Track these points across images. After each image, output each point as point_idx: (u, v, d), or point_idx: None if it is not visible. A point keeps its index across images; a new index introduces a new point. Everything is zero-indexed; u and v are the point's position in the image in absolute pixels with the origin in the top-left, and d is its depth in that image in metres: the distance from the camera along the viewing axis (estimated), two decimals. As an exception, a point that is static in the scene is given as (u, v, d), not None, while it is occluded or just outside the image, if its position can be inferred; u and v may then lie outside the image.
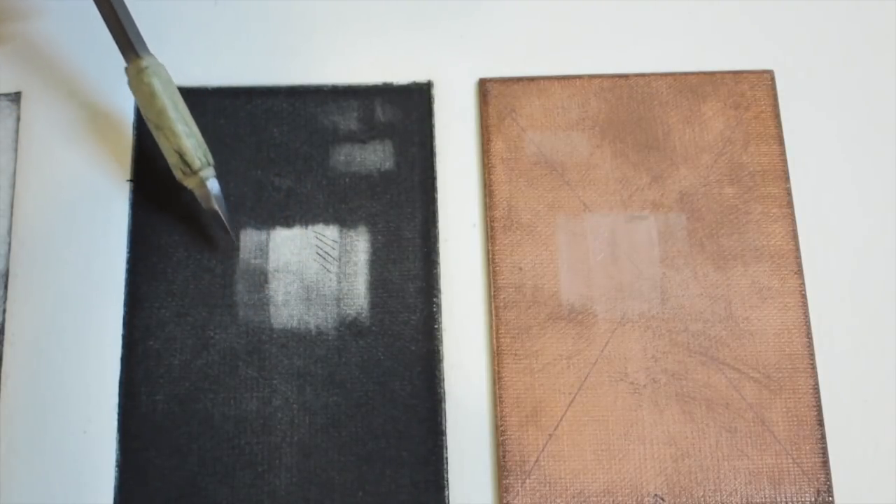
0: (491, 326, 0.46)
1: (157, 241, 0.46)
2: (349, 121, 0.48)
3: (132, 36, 0.44)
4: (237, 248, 0.46)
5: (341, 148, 0.48)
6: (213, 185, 0.45)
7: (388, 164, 0.48)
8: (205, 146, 0.45)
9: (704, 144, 0.48)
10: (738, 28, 0.51)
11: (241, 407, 0.44)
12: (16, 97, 0.48)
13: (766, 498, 0.43)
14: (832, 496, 0.43)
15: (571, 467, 0.43)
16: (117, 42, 0.44)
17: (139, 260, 0.46)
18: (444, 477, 0.43)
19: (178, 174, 0.44)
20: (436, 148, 0.48)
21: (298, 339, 0.45)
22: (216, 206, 0.45)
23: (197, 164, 0.44)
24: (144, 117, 0.44)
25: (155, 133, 0.44)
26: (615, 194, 0.47)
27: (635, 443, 0.44)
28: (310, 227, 0.47)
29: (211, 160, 0.45)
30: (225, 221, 0.45)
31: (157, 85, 0.44)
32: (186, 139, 0.44)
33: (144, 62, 0.44)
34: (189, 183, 0.45)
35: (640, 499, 0.43)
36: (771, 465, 0.43)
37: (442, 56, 0.50)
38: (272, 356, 0.45)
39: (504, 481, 0.43)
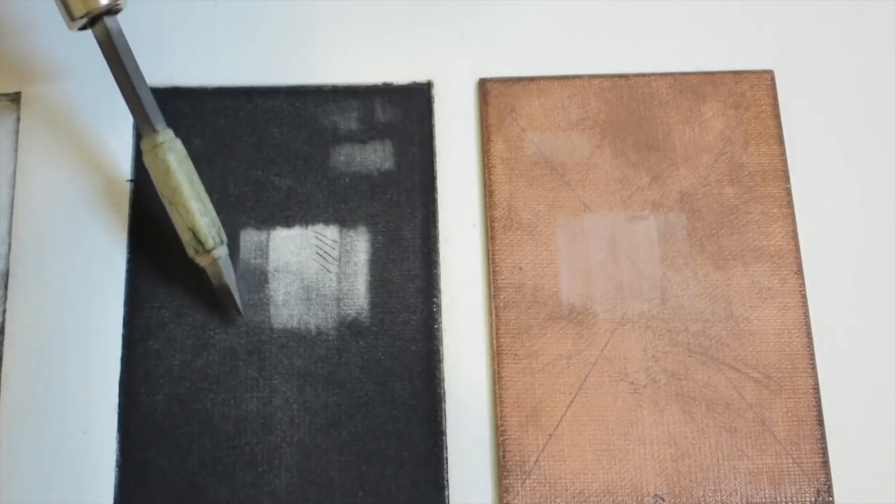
0: (491, 326, 0.46)
1: (157, 241, 0.46)
2: (349, 121, 0.48)
3: (149, 109, 0.43)
4: (244, 319, 0.46)
5: (341, 148, 0.48)
6: (226, 264, 0.44)
7: (388, 164, 0.48)
8: (219, 224, 0.44)
9: (704, 144, 0.48)
10: (738, 28, 0.51)
11: (241, 407, 0.44)
12: (16, 97, 0.48)
13: (766, 498, 0.43)
14: (832, 496, 0.43)
15: (571, 467, 0.43)
16: (134, 115, 0.43)
17: (139, 260, 0.46)
18: (444, 477, 0.43)
19: (190, 252, 0.44)
20: (436, 148, 0.48)
21: (298, 339, 0.45)
22: (228, 284, 0.44)
23: (210, 243, 0.43)
24: (158, 192, 0.43)
25: (168, 209, 0.43)
26: (615, 194, 0.47)
27: (635, 443, 0.44)
28: (310, 227, 0.47)
29: (224, 238, 0.44)
30: (236, 299, 0.45)
31: (173, 161, 0.43)
32: (200, 217, 0.43)
33: (161, 137, 0.43)
34: (201, 261, 0.44)
35: (640, 499, 0.43)
36: (771, 465, 0.43)
37: (442, 56, 0.50)
38: (272, 356, 0.45)
39: (504, 481, 0.43)
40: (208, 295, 0.46)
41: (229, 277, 0.44)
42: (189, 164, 0.44)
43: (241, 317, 0.45)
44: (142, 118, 0.43)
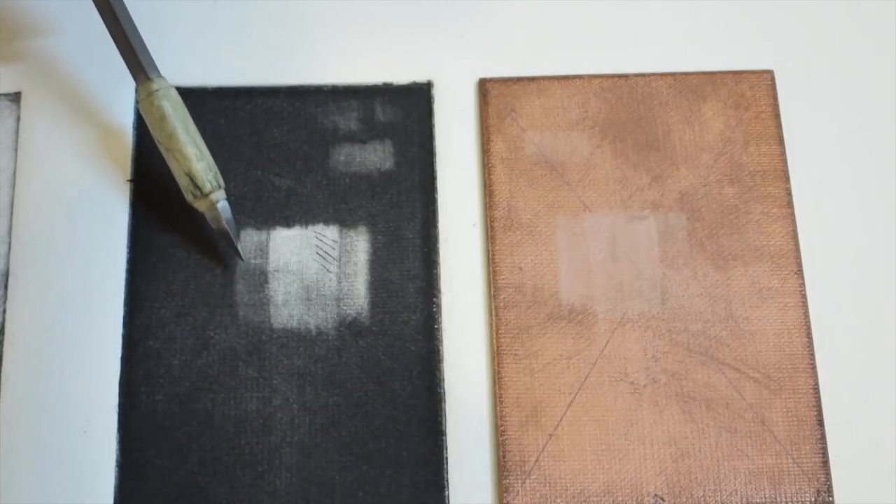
0: (491, 326, 0.46)
1: (157, 241, 0.46)
2: (349, 121, 0.48)
3: (142, 58, 0.44)
4: (243, 262, 0.46)
5: (341, 148, 0.48)
6: (224, 208, 0.45)
7: (388, 164, 0.48)
8: (215, 169, 0.44)
9: (704, 144, 0.48)
10: (738, 28, 0.51)
11: (241, 407, 0.44)
12: (16, 97, 0.48)
13: (766, 498, 0.43)
14: (832, 496, 0.43)
15: (571, 467, 0.43)
16: (127, 64, 0.44)
17: (139, 260, 0.46)
18: (444, 477, 0.43)
19: (188, 197, 0.44)
20: (436, 148, 0.48)
21: (298, 339, 0.45)
22: (227, 228, 0.45)
23: (207, 187, 0.44)
24: (155, 139, 0.44)
25: (165, 155, 0.44)
26: (615, 194, 0.47)
27: (635, 443, 0.44)
28: (310, 227, 0.47)
29: (221, 182, 0.45)
30: (235, 242, 0.45)
31: (168, 108, 0.43)
32: (197, 162, 0.43)
33: (155, 85, 0.44)
34: (199, 205, 0.44)
35: (640, 499, 0.43)
36: (771, 465, 0.43)
37: (442, 56, 0.50)
38: (272, 356, 0.45)
39: (504, 481, 0.43)
40: (208, 295, 0.46)
41: (228, 221, 0.45)
42: (184, 111, 0.44)
43: (241, 261, 0.46)
44: (136, 66, 0.44)
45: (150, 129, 0.44)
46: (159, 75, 0.44)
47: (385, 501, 0.43)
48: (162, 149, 0.44)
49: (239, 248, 0.45)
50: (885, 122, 0.49)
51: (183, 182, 0.44)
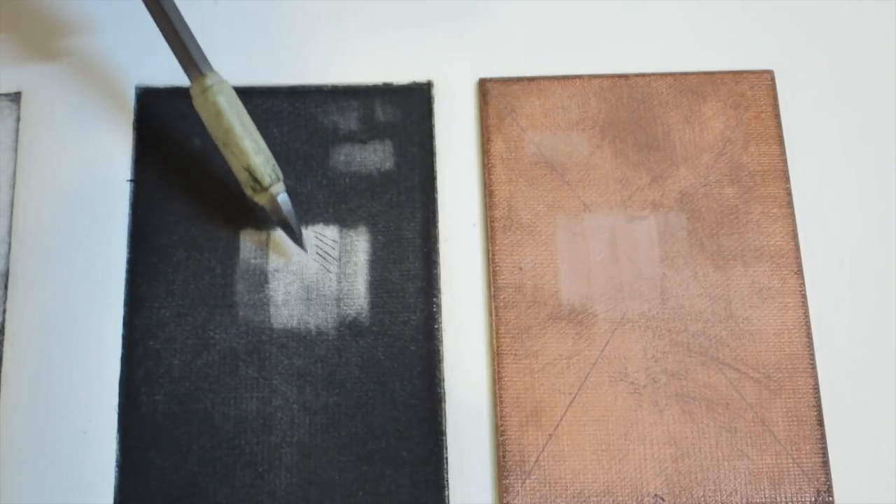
0: (491, 326, 0.46)
1: (157, 241, 0.46)
2: (349, 121, 0.48)
3: (195, 54, 0.43)
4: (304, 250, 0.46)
5: (341, 148, 0.48)
6: (284, 200, 0.44)
7: (388, 164, 0.48)
8: (273, 161, 0.44)
9: (704, 144, 0.48)
10: (738, 28, 0.51)
11: (241, 407, 0.44)
12: (16, 97, 0.48)
13: (766, 498, 0.43)
14: (832, 496, 0.43)
15: (571, 467, 0.43)
16: (180, 61, 0.43)
17: (139, 260, 0.46)
18: (444, 477, 0.43)
19: (248, 191, 0.44)
20: (436, 148, 0.48)
21: (298, 339, 0.45)
22: (288, 220, 0.44)
23: (267, 181, 0.43)
24: (211, 135, 0.43)
25: (222, 150, 0.43)
26: (615, 194, 0.47)
27: (635, 443, 0.44)
28: (310, 227, 0.47)
29: (280, 175, 0.44)
30: (296, 234, 0.45)
31: (224, 103, 0.43)
32: (255, 156, 0.43)
33: (209, 80, 0.43)
34: (260, 199, 0.44)
35: (640, 499, 0.43)
36: (771, 465, 0.43)
37: (442, 56, 0.50)
38: (272, 356, 0.45)
39: (504, 481, 0.43)
40: (208, 295, 0.46)
41: (288, 212, 0.44)
42: (240, 105, 0.44)
43: (303, 251, 0.46)
44: (188, 63, 0.43)
45: (206, 125, 0.43)
46: (212, 70, 0.43)
47: (385, 501, 0.43)
48: (219, 144, 0.43)
49: (299, 237, 0.45)
50: (886, 122, 0.49)
51: (242, 177, 0.43)
